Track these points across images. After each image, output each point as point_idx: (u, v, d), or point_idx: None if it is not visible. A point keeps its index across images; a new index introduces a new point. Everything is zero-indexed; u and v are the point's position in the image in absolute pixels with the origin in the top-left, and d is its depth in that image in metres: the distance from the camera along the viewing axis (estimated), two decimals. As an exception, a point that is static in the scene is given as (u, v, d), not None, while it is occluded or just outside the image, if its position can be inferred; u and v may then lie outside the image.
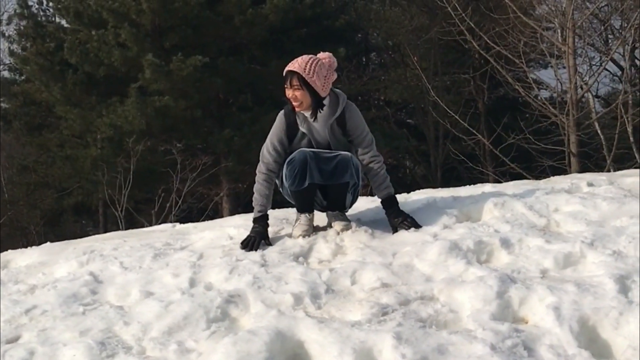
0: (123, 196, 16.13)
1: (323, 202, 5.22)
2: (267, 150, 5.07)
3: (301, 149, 4.92)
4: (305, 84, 4.83)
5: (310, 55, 4.95)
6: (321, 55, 4.99)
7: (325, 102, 4.96)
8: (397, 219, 5.02)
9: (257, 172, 5.13)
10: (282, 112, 5.10)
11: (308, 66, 4.84)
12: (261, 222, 5.12)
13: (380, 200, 5.19)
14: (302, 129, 4.99)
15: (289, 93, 4.88)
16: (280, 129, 5.05)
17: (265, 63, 19.22)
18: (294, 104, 4.90)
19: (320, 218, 5.31)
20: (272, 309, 3.89)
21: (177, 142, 17.69)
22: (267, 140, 5.09)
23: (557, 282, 3.90)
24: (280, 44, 19.65)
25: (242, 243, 4.97)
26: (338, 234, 4.97)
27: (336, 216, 5.10)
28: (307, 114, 4.96)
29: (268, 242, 5.04)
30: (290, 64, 4.91)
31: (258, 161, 5.14)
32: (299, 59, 4.91)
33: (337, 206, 5.15)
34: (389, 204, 5.11)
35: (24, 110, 22.91)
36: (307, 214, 5.15)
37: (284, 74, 4.93)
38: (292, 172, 4.87)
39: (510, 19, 15.39)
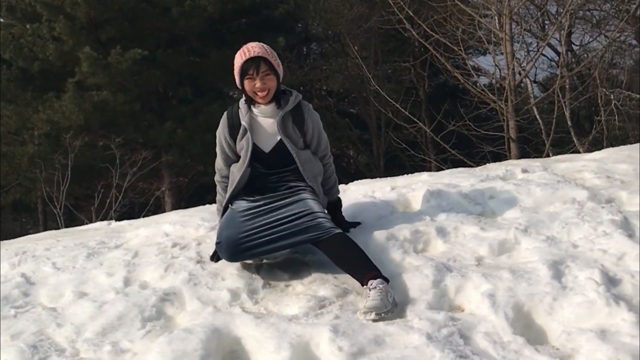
0: (62, 193, 15.86)
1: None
2: (218, 157, 4.62)
3: (228, 229, 4.26)
4: (272, 69, 4.30)
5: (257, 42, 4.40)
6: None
7: None
8: (339, 224, 4.56)
9: (215, 181, 4.72)
10: (225, 112, 4.59)
11: (269, 50, 4.34)
12: None
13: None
14: (243, 121, 4.42)
15: (254, 84, 4.29)
16: (223, 130, 4.54)
17: (205, 54, 19.09)
18: (262, 94, 4.30)
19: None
20: (208, 306, 3.87)
21: (116, 136, 17.42)
22: (217, 145, 4.61)
23: (492, 269, 3.93)
24: (219, 35, 19.53)
25: (211, 256, 4.56)
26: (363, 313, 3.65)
27: (373, 290, 3.73)
28: (266, 107, 4.42)
29: None
30: (244, 52, 4.31)
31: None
32: (252, 45, 4.33)
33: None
34: (335, 207, 4.82)
35: (-41, 107, 22.45)
36: None
37: (241, 64, 4.29)
38: (220, 253, 4.33)
39: (448, 7, 15.44)
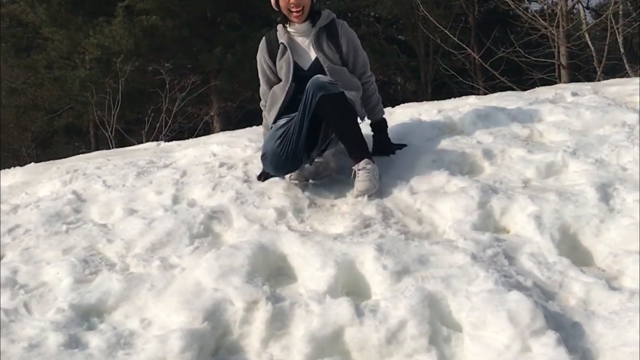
0: (112, 117, 16.04)
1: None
2: (261, 83, 4.68)
3: (271, 142, 4.26)
4: None
5: None
6: None
7: None
8: (385, 146, 4.75)
9: (260, 107, 4.78)
10: (264, 37, 4.70)
11: None
12: None
13: (370, 122, 4.84)
14: (282, 39, 4.49)
15: (289, 0, 4.34)
16: (262, 53, 4.62)
17: (252, -21, 18.92)
18: (296, 11, 4.35)
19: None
20: (254, 224, 3.90)
21: (165, 61, 17.49)
22: (258, 71, 4.68)
23: (539, 191, 3.91)
24: (267, -41, 19.28)
25: (259, 176, 4.62)
26: (356, 197, 4.13)
27: (362, 171, 4.11)
28: (300, 26, 4.46)
29: None
30: None
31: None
32: None
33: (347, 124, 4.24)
34: (380, 128, 4.82)
35: (11, 32, 22.56)
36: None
37: None
38: (265, 166, 4.41)
39: None
